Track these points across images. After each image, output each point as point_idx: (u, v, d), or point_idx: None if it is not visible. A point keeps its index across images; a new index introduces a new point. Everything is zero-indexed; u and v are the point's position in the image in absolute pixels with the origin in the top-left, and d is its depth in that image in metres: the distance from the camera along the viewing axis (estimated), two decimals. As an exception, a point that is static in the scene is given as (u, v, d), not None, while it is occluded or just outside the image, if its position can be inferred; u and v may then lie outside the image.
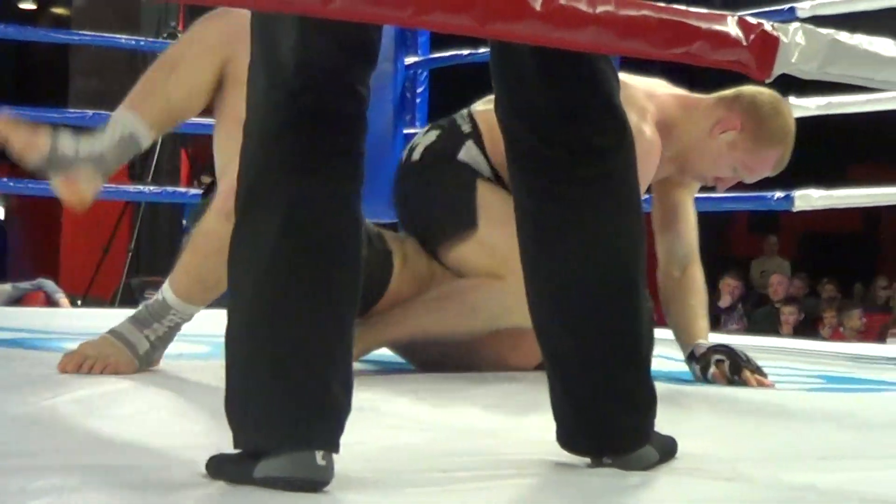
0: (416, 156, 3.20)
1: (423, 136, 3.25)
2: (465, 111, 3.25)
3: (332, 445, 1.57)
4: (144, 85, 2.80)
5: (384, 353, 3.18)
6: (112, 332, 2.76)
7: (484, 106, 3.17)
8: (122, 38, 7.03)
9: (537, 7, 1.33)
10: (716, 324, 10.84)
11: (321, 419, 1.57)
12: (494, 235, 2.99)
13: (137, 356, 2.74)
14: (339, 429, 1.58)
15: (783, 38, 1.56)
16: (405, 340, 3.11)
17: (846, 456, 2.02)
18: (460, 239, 3.05)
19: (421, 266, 3.11)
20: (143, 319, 2.78)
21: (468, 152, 3.15)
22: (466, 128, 3.18)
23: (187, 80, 2.78)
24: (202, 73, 2.79)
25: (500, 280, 2.99)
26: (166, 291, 2.80)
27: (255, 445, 1.57)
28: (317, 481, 1.54)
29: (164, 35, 8.65)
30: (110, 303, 8.51)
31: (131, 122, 2.77)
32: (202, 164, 9.76)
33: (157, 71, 2.81)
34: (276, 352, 1.57)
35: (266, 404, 1.57)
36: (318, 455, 1.54)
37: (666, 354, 3.37)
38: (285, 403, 1.56)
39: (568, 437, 1.80)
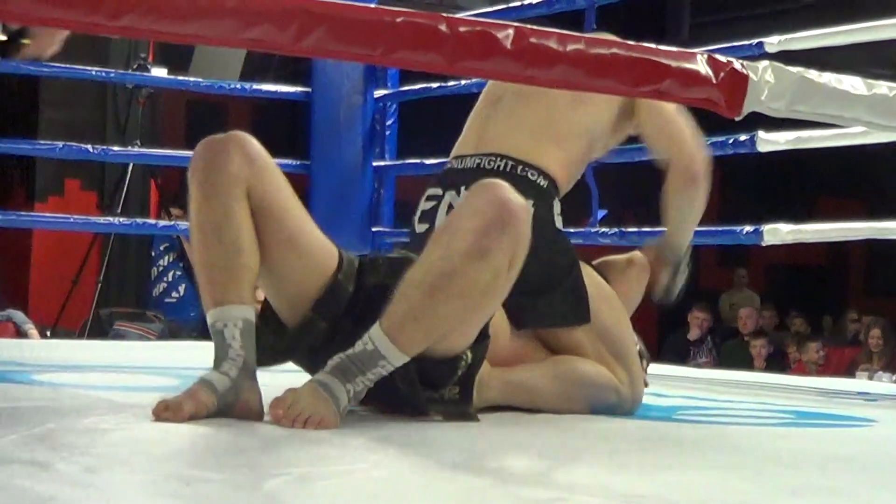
0: None
1: None
2: (506, 160, 3.04)
3: None
4: (209, 273, 2.62)
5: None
6: (316, 381, 2.54)
7: (537, 149, 3.07)
8: (93, 70, 7.03)
9: (508, 45, 1.34)
10: (685, 357, 10.85)
11: None
12: (607, 329, 3.04)
13: (339, 411, 2.52)
14: None
15: (752, 77, 1.57)
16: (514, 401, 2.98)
17: (817, 492, 2.02)
18: (577, 327, 3.01)
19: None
20: (347, 369, 2.54)
21: (559, 213, 3.06)
22: (543, 182, 3.04)
23: (238, 240, 2.62)
24: (245, 226, 2.64)
25: (621, 384, 3.02)
26: (380, 339, 2.54)
27: None
28: None
29: (134, 66, 8.66)
30: (79, 334, 8.47)
31: (231, 316, 2.59)
32: (172, 195, 9.74)
33: (209, 247, 2.63)
34: None
35: None
36: None
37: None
38: None
39: None
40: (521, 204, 2.58)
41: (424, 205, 3.07)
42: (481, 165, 3.04)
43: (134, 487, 1.76)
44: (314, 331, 2.75)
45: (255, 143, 2.72)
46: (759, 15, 12.39)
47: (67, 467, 1.88)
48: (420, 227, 3.05)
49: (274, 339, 2.77)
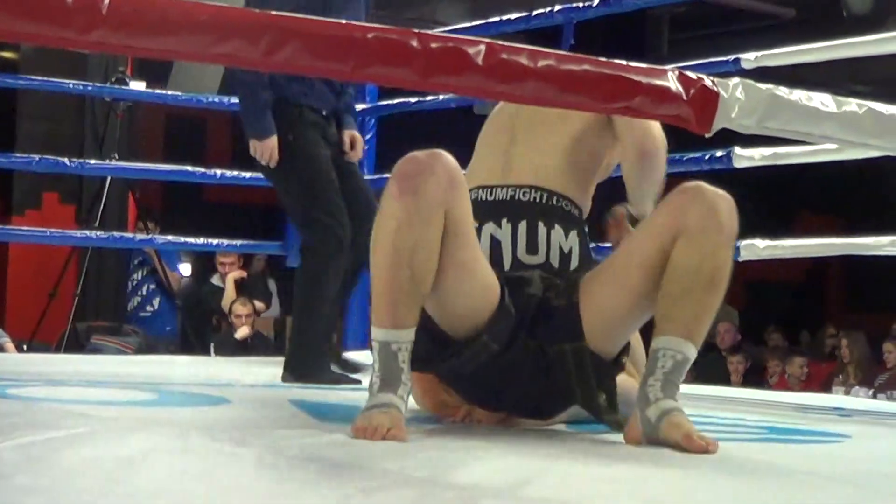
0: (575, 263, 3.07)
1: (563, 238, 3.07)
2: (540, 192, 3.08)
3: None
4: (392, 293, 2.70)
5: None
6: (674, 408, 2.71)
7: (563, 179, 3.12)
8: (70, 83, 7.02)
9: (479, 61, 1.34)
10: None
11: None
12: (633, 348, 3.20)
13: None
14: None
15: (723, 93, 1.57)
16: None
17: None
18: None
19: None
20: (674, 386, 2.74)
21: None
22: (575, 211, 3.13)
23: (427, 266, 2.72)
24: (436, 253, 2.73)
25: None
26: (683, 345, 2.74)
27: None
28: None
29: (113, 80, 8.64)
30: (56, 348, 8.44)
31: (405, 340, 2.72)
32: (149, 209, 9.72)
33: (399, 269, 2.69)
34: None
35: None
36: None
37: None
38: None
39: None
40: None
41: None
42: (515, 197, 3.09)
43: (104, 502, 1.76)
44: (484, 351, 2.86)
45: (455, 164, 2.77)
46: (738, 31, 12.44)
47: (37, 481, 1.88)
48: None
49: (436, 347, 2.88)
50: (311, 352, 4.51)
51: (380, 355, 2.71)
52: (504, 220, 3.04)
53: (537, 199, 3.09)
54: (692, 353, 2.75)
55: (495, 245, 3.02)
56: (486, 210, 3.07)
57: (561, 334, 2.88)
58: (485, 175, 3.18)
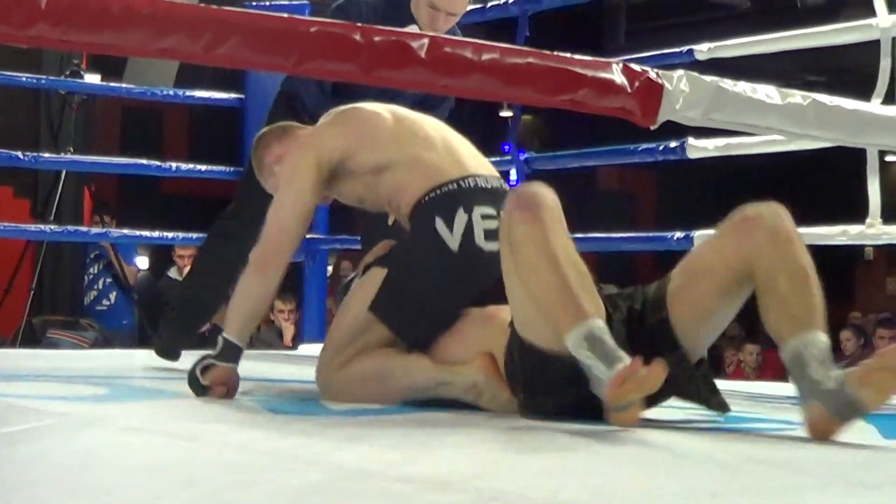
0: None
1: None
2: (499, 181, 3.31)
3: None
4: (568, 291, 2.77)
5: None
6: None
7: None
8: (24, 77, 6.98)
9: (422, 54, 1.34)
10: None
11: None
12: None
13: None
14: None
15: (667, 86, 1.58)
16: None
17: (739, 493, 2.04)
18: None
19: None
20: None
21: None
22: None
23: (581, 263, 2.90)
24: None
25: None
26: (824, 334, 2.90)
27: None
28: None
29: (67, 73, 8.59)
30: (12, 342, 8.40)
31: (602, 326, 2.86)
32: (105, 202, 9.67)
33: (564, 269, 2.78)
34: None
35: None
36: None
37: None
38: None
39: None
40: None
41: (486, 224, 3.18)
42: (498, 187, 3.24)
43: (55, 497, 1.76)
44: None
45: None
46: (695, 22, 12.48)
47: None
48: (491, 245, 3.12)
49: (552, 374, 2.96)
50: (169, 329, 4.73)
51: (593, 350, 2.75)
52: (492, 206, 3.16)
53: (504, 188, 3.24)
54: (823, 338, 2.86)
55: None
56: (489, 197, 3.20)
57: (659, 349, 2.94)
58: (443, 170, 3.21)
